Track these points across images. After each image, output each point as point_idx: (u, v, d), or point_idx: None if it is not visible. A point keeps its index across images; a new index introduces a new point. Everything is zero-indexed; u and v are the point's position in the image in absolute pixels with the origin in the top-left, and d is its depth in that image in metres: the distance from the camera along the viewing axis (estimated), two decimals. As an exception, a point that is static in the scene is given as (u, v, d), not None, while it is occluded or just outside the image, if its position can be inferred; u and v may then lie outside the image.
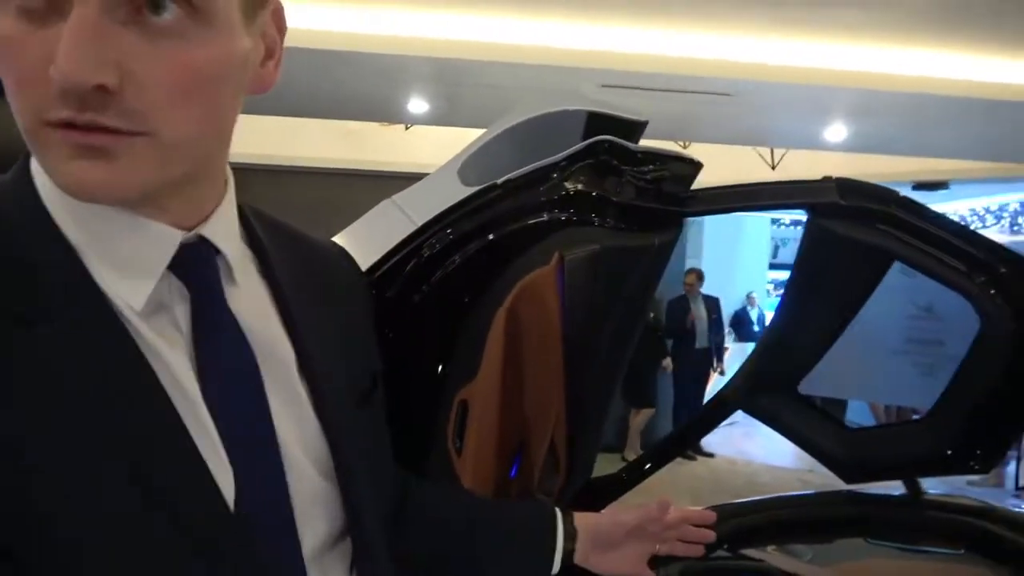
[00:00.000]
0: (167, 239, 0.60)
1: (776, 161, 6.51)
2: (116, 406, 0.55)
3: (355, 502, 0.69)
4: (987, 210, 8.68)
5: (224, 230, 0.64)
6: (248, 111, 0.61)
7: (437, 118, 5.00)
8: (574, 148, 1.29)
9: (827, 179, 1.30)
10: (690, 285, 7.04)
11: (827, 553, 1.95)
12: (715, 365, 7.36)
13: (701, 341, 6.92)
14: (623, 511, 1.04)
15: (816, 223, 1.32)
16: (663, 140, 6.11)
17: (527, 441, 1.50)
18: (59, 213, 0.58)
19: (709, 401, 1.77)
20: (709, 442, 6.90)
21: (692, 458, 6.83)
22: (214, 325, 0.62)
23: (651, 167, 1.31)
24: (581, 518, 1.03)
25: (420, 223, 1.26)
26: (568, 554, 0.99)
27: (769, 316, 8.57)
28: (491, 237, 1.31)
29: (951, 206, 8.46)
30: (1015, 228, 8.56)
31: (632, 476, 1.80)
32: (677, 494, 5.25)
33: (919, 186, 6.63)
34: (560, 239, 1.31)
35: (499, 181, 1.28)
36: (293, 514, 0.64)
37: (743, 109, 4.44)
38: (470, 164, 1.40)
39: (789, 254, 11.10)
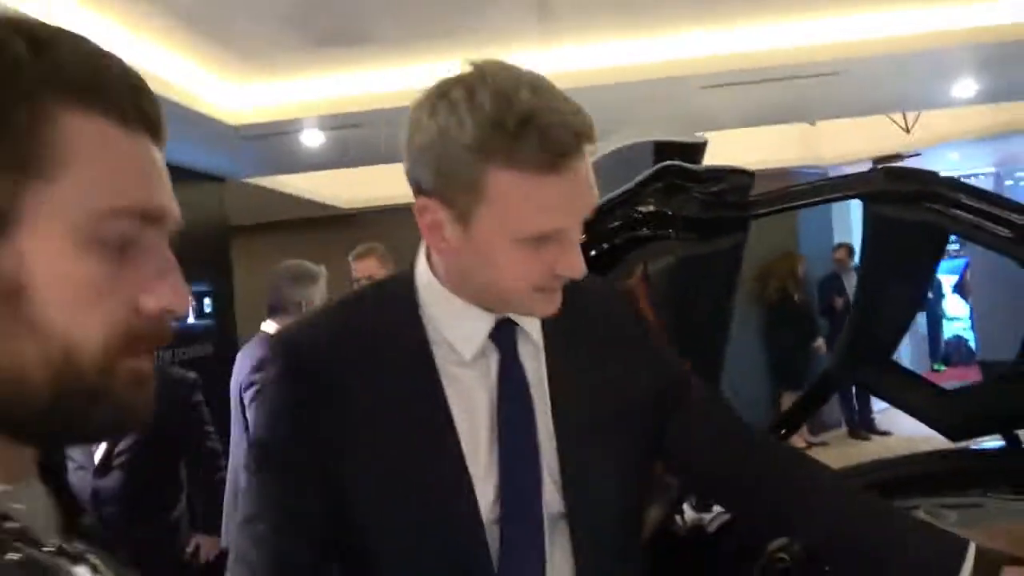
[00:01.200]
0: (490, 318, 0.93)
1: (912, 124, 6.25)
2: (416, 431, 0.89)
3: (577, 510, 0.92)
4: None
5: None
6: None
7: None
8: (643, 175, 1.51)
9: (874, 169, 1.45)
10: (840, 260, 6.83)
11: (967, 517, 2.00)
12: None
13: (857, 318, 6.67)
14: None
15: (871, 209, 1.46)
16: (788, 122, 6.08)
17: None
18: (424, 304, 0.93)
19: (816, 378, 1.91)
20: (883, 422, 6.68)
21: (867, 438, 6.63)
22: (510, 370, 0.93)
23: (712, 182, 1.51)
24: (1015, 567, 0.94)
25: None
26: None
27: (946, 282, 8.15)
28: (589, 257, 1.55)
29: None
30: None
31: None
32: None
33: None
34: (642, 254, 1.54)
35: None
36: (542, 523, 0.90)
37: (855, 84, 4.40)
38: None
39: None
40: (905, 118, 6.23)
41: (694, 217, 1.51)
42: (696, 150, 1.59)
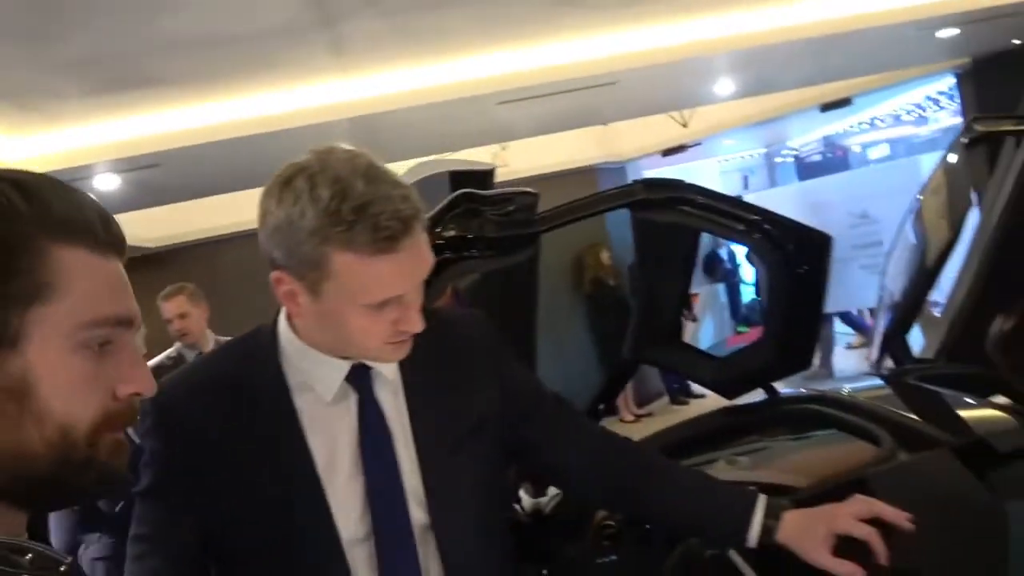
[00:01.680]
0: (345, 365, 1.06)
1: (689, 119, 6.96)
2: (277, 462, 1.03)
3: (441, 521, 1.06)
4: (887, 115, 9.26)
5: None
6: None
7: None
8: (441, 205, 1.67)
9: (635, 182, 1.70)
10: None
11: (758, 459, 2.33)
12: (686, 314, 7.73)
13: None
14: (836, 507, 1.11)
15: (636, 216, 1.71)
16: (581, 127, 6.55)
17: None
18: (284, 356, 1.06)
19: (616, 362, 2.16)
20: (698, 387, 7.35)
21: (686, 403, 7.26)
22: (368, 407, 1.06)
23: (503, 204, 1.70)
24: (796, 511, 1.14)
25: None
26: (770, 528, 1.12)
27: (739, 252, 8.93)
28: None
29: (856, 118, 9.06)
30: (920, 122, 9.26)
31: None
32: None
33: (826, 107, 7.06)
34: (451, 275, 1.70)
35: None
36: (412, 536, 1.05)
37: (633, 89, 4.89)
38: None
39: (759, 182, 11.52)
40: (682, 114, 6.92)
41: (491, 237, 1.69)
42: (486, 176, 1.78)
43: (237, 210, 5.62)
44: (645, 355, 2.03)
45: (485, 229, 1.68)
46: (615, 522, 2.03)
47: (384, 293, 0.95)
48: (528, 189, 1.70)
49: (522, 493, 2.22)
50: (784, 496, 1.82)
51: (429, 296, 1.68)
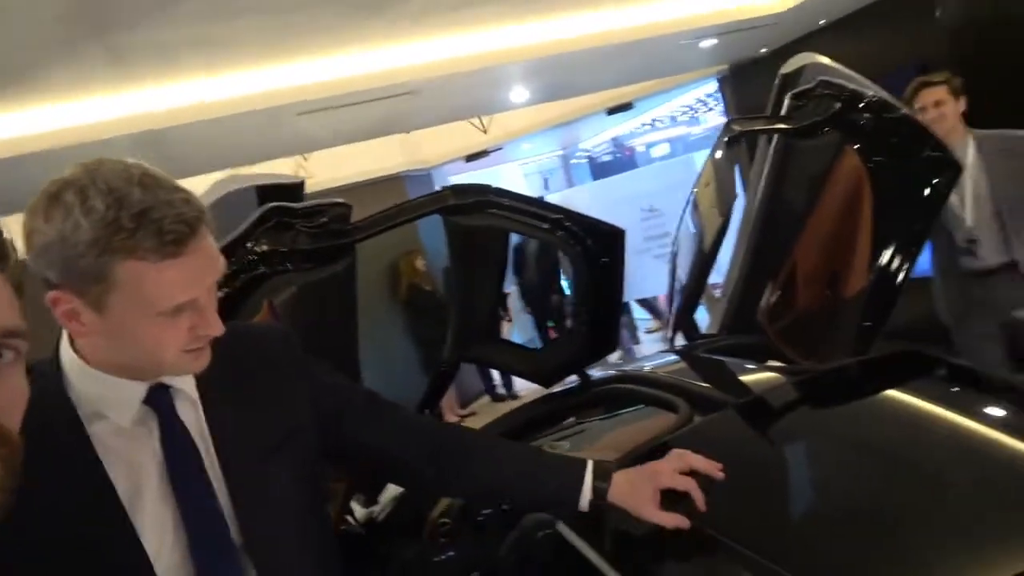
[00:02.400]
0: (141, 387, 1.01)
1: (488, 125, 7.20)
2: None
3: (254, 538, 1.04)
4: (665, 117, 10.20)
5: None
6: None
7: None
8: (249, 220, 1.64)
9: (444, 188, 1.77)
10: None
11: (578, 441, 2.49)
12: (501, 313, 7.98)
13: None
14: (656, 464, 1.20)
15: (447, 221, 1.79)
16: (384, 135, 6.56)
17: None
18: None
19: (439, 363, 2.22)
20: (518, 384, 7.61)
21: (504, 399, 7.47)
22: (171, 428, 1.01)
23: (316, 216, 1.69)
24: (622, 471, 1.21)
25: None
26: (600, 490, 1.19)
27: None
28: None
29: (639, 119, 9.87)
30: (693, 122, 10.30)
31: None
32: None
33: (612, 110, 7.60)
34: (266, 290, 1.67)
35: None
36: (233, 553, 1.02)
37: (432, 98, 4.99)
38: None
39: (558, 182, 12.03)
40: (482, 121, 7.14)
41: (306, 249, 1.69)
42: (295, 189, 1.76)
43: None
44: (466, 354, 2.11)
45: (299, 242, 1.68)
46: (449, 519, 2.10)
47: (176, 299, 0.92)
48: (340, 200, 1.71)
49: (354, 504, 2.21)
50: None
51: (244, 313, 1.65)
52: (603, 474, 1.20)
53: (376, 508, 2.24)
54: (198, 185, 1.88)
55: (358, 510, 2.25)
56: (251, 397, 1.11)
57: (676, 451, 1.21)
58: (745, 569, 1.08)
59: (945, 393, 1.51)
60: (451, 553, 2.05)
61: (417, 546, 2.08)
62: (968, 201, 2.93)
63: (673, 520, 1.14)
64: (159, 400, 1.02)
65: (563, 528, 1.38)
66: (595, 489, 1.19)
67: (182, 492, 1.00)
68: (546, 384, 2.10)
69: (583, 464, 1.22)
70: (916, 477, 1.25)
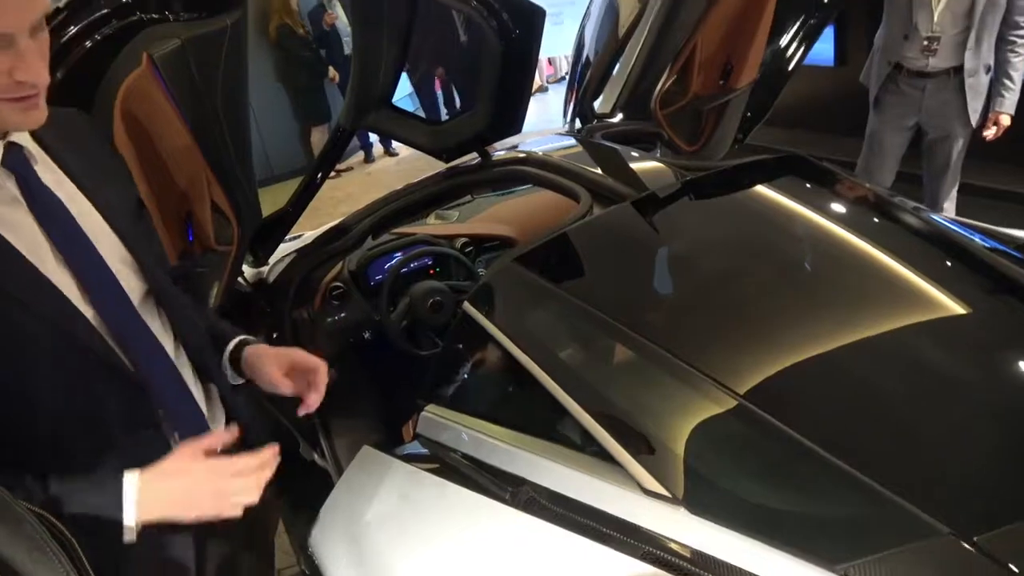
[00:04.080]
0: None
1: None
2: None
3: (151, 274, 1.06)
4: None
5: (22, 135, 0.97)
6: None
7: None
8: (120, -46, 1.42)
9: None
10: None
11: (466, 212, 2.55)
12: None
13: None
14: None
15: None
16: None
17: (191, 208, 1.79)
18: None
19: (334, 130, 2.14)
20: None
21: (373, 161, 7.33)
22: (38, 191, 0.96)
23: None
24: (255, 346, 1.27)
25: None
26: (236, 361, 1.25)
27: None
28: (84, 50, 1.45)
29: None
30: None
31: (297, 206, 2.18)
32: (378, 188, 5.86)
33: None
34: (143, 40, 1.50)
35: (61, 3, 1.39)
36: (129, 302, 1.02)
37: None
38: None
39: None
40: None
41: (187, -4, 1.50)
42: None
43: None
44: (363, 122, 2.03)
45: (181, -13, 1.49)
46: (343, 283, 2.16)
47: None
48: (228, -59, 1.50)
49: (244, 266, 2.21)
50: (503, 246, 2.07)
51: (121, 65, 1.48)
52: (239, 347, 1.26)
53: (265, 269, 2.25)
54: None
55: (247, 270, 2.26)
56: (99, 165, 1.09)
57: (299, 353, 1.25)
58: (629, 347, 1.23)
59: (811, 194, 1.65)
60: (343, 315, 2.14)
61: (308, 307, 2.15)
62: None
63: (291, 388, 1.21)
64: (11, 158, 0.95)
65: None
66: (232, 357, 1.25)
67: (62, 244, 0.97)
68: (445, 160, 2.09)
69: (235, 335, 1.28)
70: (768, 267, 1.43)
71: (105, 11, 1.42)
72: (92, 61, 1.44)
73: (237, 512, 1.00)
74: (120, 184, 1.14)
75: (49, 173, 1.01)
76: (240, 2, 1.58)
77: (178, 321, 1.13)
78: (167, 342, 1.09)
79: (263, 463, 1.02)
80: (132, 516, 0.92)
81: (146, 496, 0.92)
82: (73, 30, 1.41)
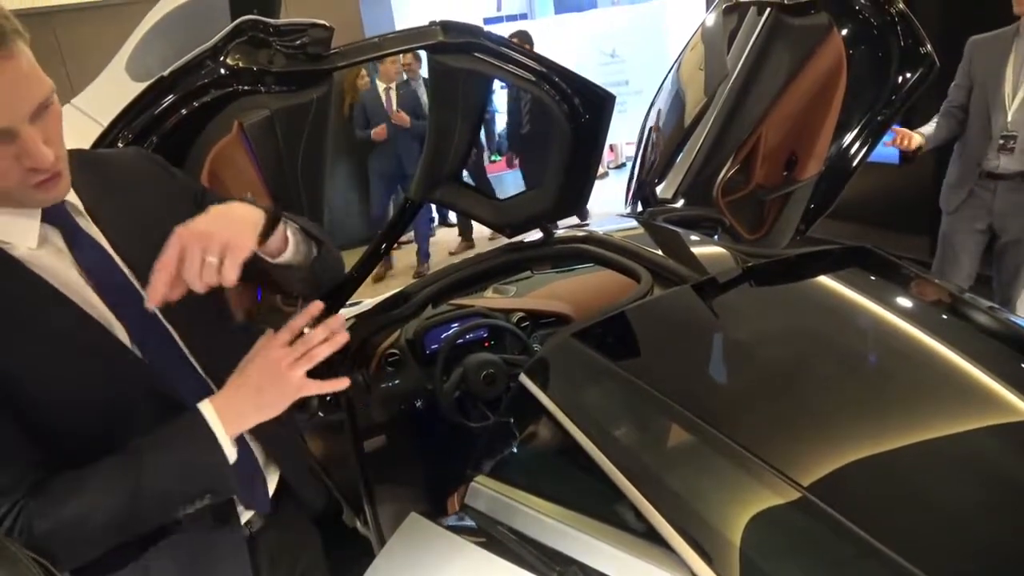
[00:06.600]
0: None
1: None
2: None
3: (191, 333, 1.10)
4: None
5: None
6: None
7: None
8: (223, 32, 1.54)
9: (433, 23, 1.68)
10: (408, 67, 6.88)
11: (523, 287, 2.58)
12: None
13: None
14: None
15: (432, 59, 1.71)
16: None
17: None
18: None
19: (402, 203, 2.21)
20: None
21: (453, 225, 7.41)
22: (81, 243, 1.02)
23: (294, 36, 1.60)
24: None
25: (106, 123, 1.48)
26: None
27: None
28: (181, 116, 1.55)
29: None
30: None
31: (360, 273, 2.24)
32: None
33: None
34: (235, 110, 1.60)
35: (165, 73, 1.51)
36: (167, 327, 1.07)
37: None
38: (135, 59, 1.58)
39: (514, 4, 11.35)
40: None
41: (282, 71, 1.60)
42: (271, 2, 1.64)
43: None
44: (432, 195, 2.10)
45: (276, 62, 1.59)
46: (399, 350, 2.19)
47: None
48: (322, 21, 1.61)
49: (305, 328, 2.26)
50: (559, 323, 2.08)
51: (214, 130, 1.59)
52: None
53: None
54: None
55: (306, 331, 2.30)
56: (135, 205, 1.11)
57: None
58: (687, 430, 1.21)
59: (878, 287, 1.63)
60: (397, 382, 2.16)
61: (364, 371, 2.18)
62: (1020, 94, 2.87)
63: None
64: (56, 215, 1.01)
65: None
66: None
67: (112, 300, 1.02)
68: (509, 235, 2.13)
69: None
70: (831, 358, 1.40)
71: (205, 81, 1.52)
72: (187, 126, 1.54)
73: (308, 388, 1.03)
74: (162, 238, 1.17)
75: (87, 222, 1.06)
76: (326, 79, 1.68)
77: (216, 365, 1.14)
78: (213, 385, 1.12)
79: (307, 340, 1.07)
80: (223, 433, 1.00)
81: (225, 416, 1.01)
82: (172, 98, 1.52)
